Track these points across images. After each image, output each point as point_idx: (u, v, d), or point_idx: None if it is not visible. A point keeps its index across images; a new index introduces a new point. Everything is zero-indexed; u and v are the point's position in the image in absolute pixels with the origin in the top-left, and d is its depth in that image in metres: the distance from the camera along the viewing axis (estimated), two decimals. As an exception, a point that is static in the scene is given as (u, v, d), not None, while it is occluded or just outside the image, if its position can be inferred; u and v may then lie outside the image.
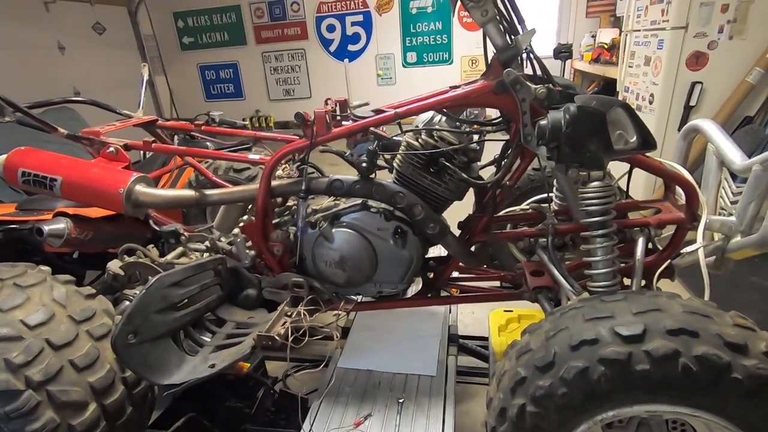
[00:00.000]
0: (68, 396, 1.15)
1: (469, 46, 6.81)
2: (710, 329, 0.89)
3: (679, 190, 1.46)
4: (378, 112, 1.42)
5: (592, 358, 0.92)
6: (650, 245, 1.42)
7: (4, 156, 1.54)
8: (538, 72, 1.27)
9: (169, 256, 1.70)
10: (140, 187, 1.48)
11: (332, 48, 7.33)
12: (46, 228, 1.71)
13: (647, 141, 1.18)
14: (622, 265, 1.36)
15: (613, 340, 0.92)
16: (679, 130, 3.31)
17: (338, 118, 1.48)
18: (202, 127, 1.93)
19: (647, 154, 1.29)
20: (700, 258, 1.23)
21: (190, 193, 1.54)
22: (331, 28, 7.20)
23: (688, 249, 1.28)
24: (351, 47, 7.23)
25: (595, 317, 0.97)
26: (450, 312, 2.02)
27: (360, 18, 7.03)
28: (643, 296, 1.01)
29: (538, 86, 1.20)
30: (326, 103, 1.54)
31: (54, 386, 1.13)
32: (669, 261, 1.37)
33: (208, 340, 1.49)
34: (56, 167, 1.50)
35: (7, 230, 2.12)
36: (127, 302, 1.59)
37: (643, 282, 1.39)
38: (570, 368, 0.93)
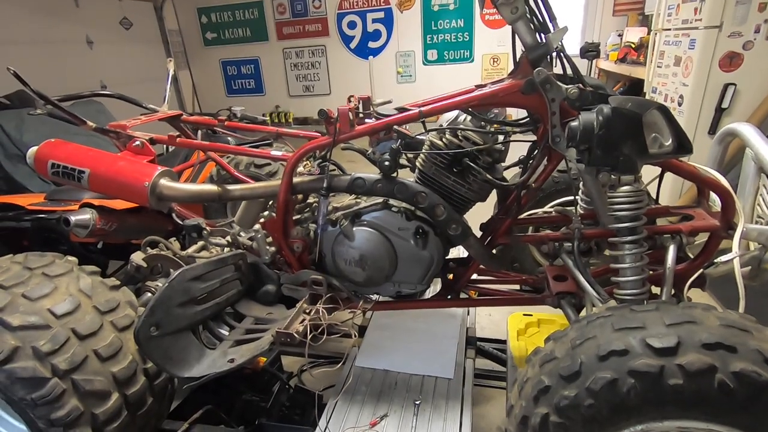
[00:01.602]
0: (92, 385, 1.17)
1: (491, 44, 6.72)
2: (749, 344, 0.85)
3: (713, 196, 1.40)
4: (401, 110, 1.40)
5: (621, 370, 0.88)
6: (681, 253, 1.37)
7: (35, 147, 1.58)
8: (569, 71, 1.23)
9: (190, 250, 1.72)
10: (164, 181, 1.50)
11: (353, 45, 7.33)
12: (72, 218, 1.75)
13: (683, 145, 1.14)
14: (651, 272, 1.31)
15: (644, 351, 0.88)
16: (709, 133, 3.21)
17: (361, 115, 1.47)
18: (226, 123, 1.94)
19: (681, 158, 1.25)
20: (735, 268, 1.18)
21: (212, 187, 1.55)
22: (352, 25, 7.20)
23: (723, 258, 1.23)
24: (371, 44, 7.22)
25: (625, 327, 0.93)
26: (468, 314, 2.00)
27: (381, 15, 7.01)
28: (677, 307, 0.97)
29: (570, 86, 1.16)
30: (349, 101, 1.53)
31: (79, 375, 1.16)
32: (701, 270, 1.31)
33: (226, 333, 1.50)
34: (84, 159, 1.53)
35: (35, 219, 2.19)
36: (150, 294, 1.62)
37: (672, 291, 1.34)
38: (597, 379, 0.90)
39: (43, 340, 1.13)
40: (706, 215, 1.38)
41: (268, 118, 7.54)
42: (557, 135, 1.20)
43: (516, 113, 1.37)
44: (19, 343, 1.12)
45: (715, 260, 1.30)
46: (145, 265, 1.65)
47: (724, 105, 3.12)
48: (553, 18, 1.21)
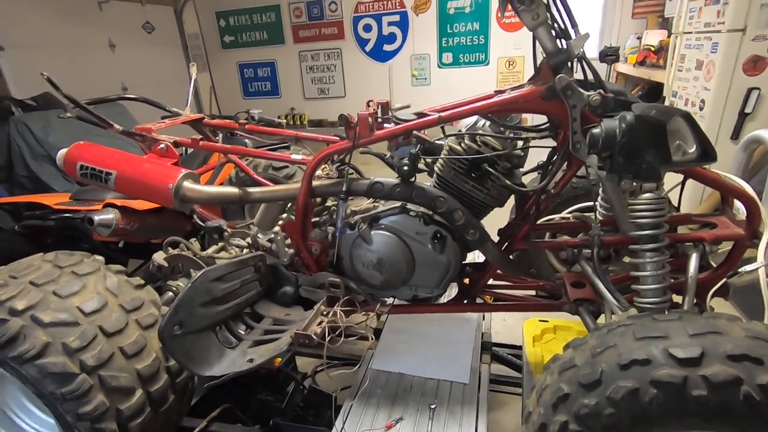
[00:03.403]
0: (118, 381, 1.20)
1: (507, 48, 6.69)
2: (776, 357, 0.84)
3: (737, 204, 1.38)
4: (421, 115, 1.41)
5: (643, 380, 0.88)
6: (703, 261, 1.35)
7: (65, 149, 1.63)
8: (589, 77, 1.22)
9: (210, 250, 1.76)
10: (188, 183, 1.53)
11: (368, 48, 7.37)
12: (96, 218, 1.80)
13: (707, 152, 1.12)
14: (672, 281, 1.29)
15: (666, 361, 0.87)
16: (732, 138, 3.14)
17: (380, 120, 1.49)
18: (247, 126, 1.97)
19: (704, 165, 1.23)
20: (761, 278, 1.16)
21: (234, 190, 1.58)
22: (367, 28, 7.24)
23: (748, 267, 1.20)
24: (387, 47, 7.25)
25: (647, 336, 0.93)
26: (483, 319, 1.99)
27: (397, 18, 7.04)
28: (701, 317, 0.95)
29: (592, 93, 1.16)
30: (368, 105, 1.55)
31: (105, 371, 1.19)
32: (725, 279, 1.29)
33: (245, 333, 1.53)
34: (111, 162, 1.57)
35: (60, 218, 2.26)
36: (171, 293, 1.65)
37: (694, 300, 1.32)
38: (618, 388, 0.89)
39: (73, 336, 1.17)
40: (729, 224, 1.36)
41: (283, 120, 7.62)
42: (578, 141, 1.20)
43: (531, 118, 1.37)
44: (49, 339, 1.16)
45: (740, 269, 1.27)
46: (166, 264, 1.68)
47: (748, 110, 3.05)
48: (574, 24, 1.21)
